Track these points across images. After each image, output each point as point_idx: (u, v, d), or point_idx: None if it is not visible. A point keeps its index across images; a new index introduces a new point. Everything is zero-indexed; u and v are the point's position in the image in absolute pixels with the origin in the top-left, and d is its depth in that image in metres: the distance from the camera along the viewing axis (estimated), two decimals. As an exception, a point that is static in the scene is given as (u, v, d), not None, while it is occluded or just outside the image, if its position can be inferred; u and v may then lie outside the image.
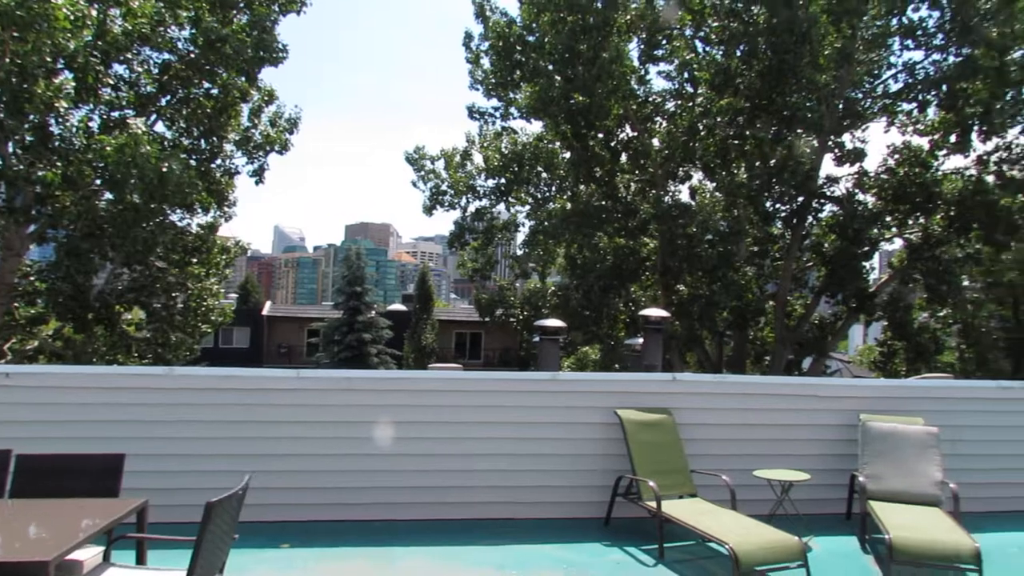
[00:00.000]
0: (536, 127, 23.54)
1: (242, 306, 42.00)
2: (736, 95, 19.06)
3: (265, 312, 42.98)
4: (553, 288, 24.44)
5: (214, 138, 16.53)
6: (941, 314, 24.14)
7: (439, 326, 40.23)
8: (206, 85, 16.09)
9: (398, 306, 42.59)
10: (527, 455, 6.33)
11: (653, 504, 5.45)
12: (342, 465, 6.07)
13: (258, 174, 17.62)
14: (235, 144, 17.26)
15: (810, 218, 21.77)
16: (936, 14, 19.34)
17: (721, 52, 20.09)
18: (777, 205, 21.44)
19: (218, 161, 17.18)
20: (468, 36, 22.98)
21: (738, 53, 19.07)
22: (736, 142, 20.34)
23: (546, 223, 22.94)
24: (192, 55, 15.31)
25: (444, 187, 25.68)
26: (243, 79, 16.13)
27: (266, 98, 17.70)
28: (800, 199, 20.89)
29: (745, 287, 20.81)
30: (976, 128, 19.90)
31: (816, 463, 6.65)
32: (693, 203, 22.40)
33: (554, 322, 10.58)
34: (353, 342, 32.83)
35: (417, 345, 36.79)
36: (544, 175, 24.37)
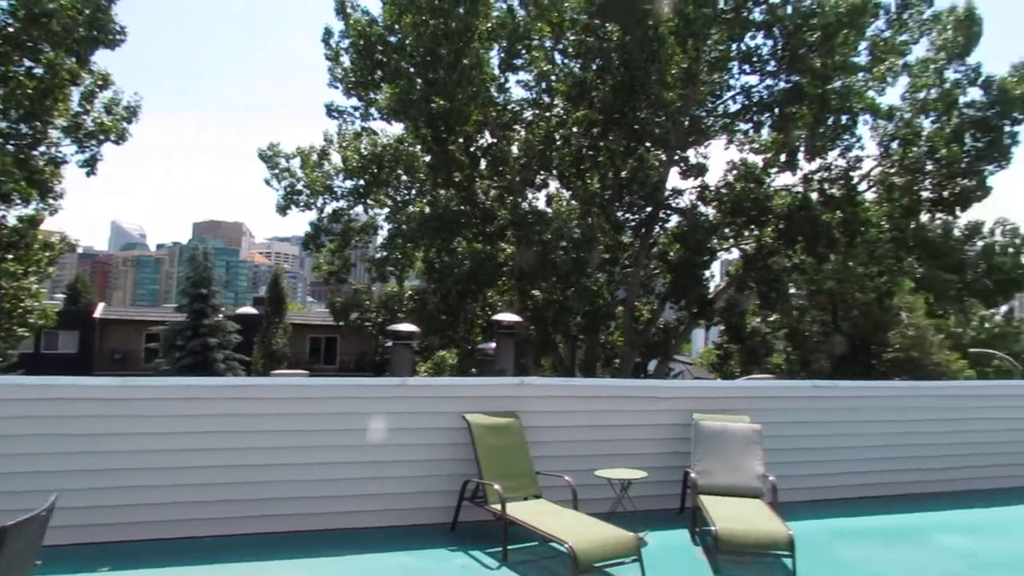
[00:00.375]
0: (397, 129, 23.35)
1: (70, 307, 38.68)
2: (591, 108, 19.78)
3: (97, 314, 39.76)
4: (411, 292, 24.27)
5: (37, 123, 15.12)
6: (771, 319, 26.14)
7: (293, 330, 38.86)
8: (28, 63, 14.68)
9: (248, 309, 40.77)
10: (375, 462, 6.23)
11: (498, 507, 5.52)
12: (174, 479, 5.70)
13: (90, 164, 16.32)
14: (63, 131, 15.87)
15: (657, 228, 22.97)
16: (770, 43, 20.97)
17: (579, 65, 20.78)
18: (627, 215, 22.44)
19: (42, 148, 15.73)
20: (328, 32, 22.42)
21: (594, 67, 19.81)
22: (591, 153, 21.11)
23: (405, 226, 22.76)
24: (11, 28, 13.93)
25: (299, 186, 24.84)
26: (73, 60, 14.86)
27: (100, 82, 16.41)
28: (648, 210, 21.98)
29: (597, 293, 21.63)
30: (802, 149, 21.77)
31: (654, 461, 6.98)
32: (550, 210, 23.00)
33: (407, 327, 10.50)
34: (197, 347, 31.07)
35: (267, 350, 35.36)
36: (404, 178, 24.16)
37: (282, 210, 24.58)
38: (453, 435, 6.31)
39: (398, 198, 24.67)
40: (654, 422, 7.10)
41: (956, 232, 23.12)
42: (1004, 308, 42.18)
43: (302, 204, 24.79)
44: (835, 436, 7.84)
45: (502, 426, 6.23)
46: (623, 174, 20.94)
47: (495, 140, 21.95)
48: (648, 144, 20.61)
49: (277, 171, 24.78)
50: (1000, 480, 8.17)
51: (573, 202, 22.81)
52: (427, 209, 22.28)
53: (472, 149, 21.67)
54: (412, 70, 19.62)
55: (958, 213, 23.04)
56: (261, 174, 26.47)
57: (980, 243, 23.53)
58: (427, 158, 22.10)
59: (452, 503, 6.18)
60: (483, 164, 22.32)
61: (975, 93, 21.97)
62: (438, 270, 22.34)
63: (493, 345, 12.15)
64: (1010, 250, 23.12)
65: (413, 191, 24.63)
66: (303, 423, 6.07)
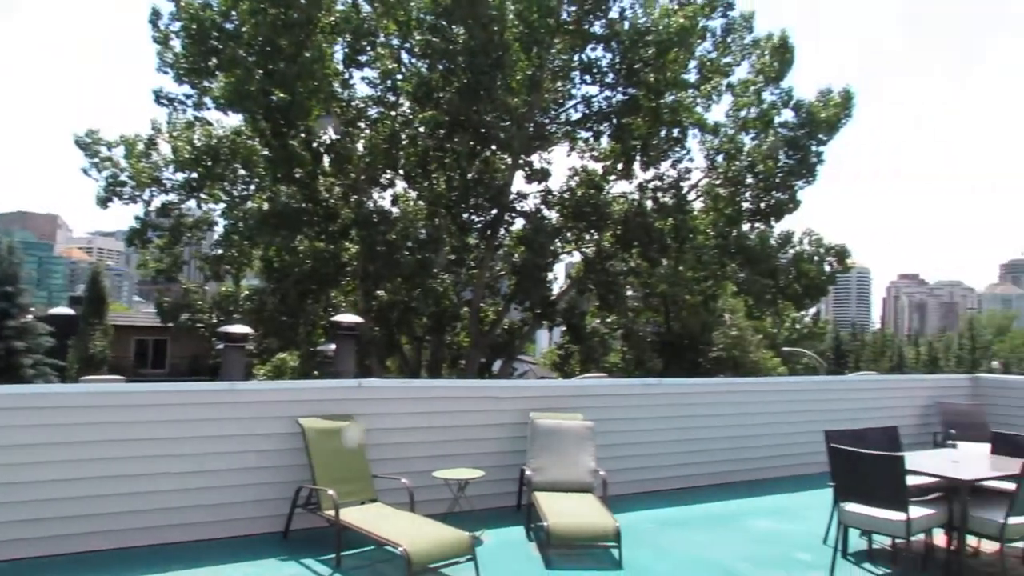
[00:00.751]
0: (234, 120, 22.19)
1: None
2: (437, 108, 19.79)
3: None
4: (248, 292, 23.15)
5: None
6: (609, 320, 27.31)
7: (115, 332, 35.89)
8: None
9: (63, 309, 37.23)
10: (203, 472, 5.89)
11: (332, 513, 5.40)
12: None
13: None
14: None
15: (503, 230, 23.34)
16: (609, 56, 21.94)
17: (425, 66, 20.73)
18: (473, 216, 22.66)
19: None
20: (156, 13, 20.95)
21: (440, 68, 19.84)
22: (437, 154, 21.12)
23: (242, 223, 21.70)
24: None
25: (124, 177, 22.99)
26: None
27: None
28: (494, 212, 22.31)
29: (443, 294, 21.68)
30: (638, 159, 22.95)
31: (493, 460, 7.11)
32: (396, 210, 22.78)
33: (239, 328, 10.01)
34: (1, 352, 27.95)
35: (84, 354, 32.46)
36: (242, 172, 23.01)
37: (103, 202, 22.66)
38: (287, 440, 6.10)
39: (235, 193, 23.46)
40: (493, 422, 7.22)
41: (772, 241, 25.26)
42: (812, 310, 46.78)
43: (126, 197, 22.97)
44: (662, 431, 8.33)
45: (338, 430, 6.09)
46: (469, 176, 21.11)
47: (338, 137, 21.44)
48: (494, 147, 20.92)
49: (97, 160, 22.81)
50: (802, 468, 9.01)
51: (420, 202, 22.72)
52: (266, 205, 21.37)
53: (314, 145, 21.03)
54: (251, 59, 18.75)
55: (773, 223, 25.27)
56: (79, 162, 24.26)
57: (791, 251, 25.87)
58: (266, 152, 21.19)
59: (286, 511, 5.98)
60: (326, 161, 21.72)
61: (788, 114, 24.22)
62: (278, 269, 21.49)
63: (333, 347, 11.85)
64: (815, 258, 25.55)
65: (252, 186, 23.52)
66: (118, 432, 5.64)
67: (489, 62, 18.65)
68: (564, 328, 26.12)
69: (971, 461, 6.27)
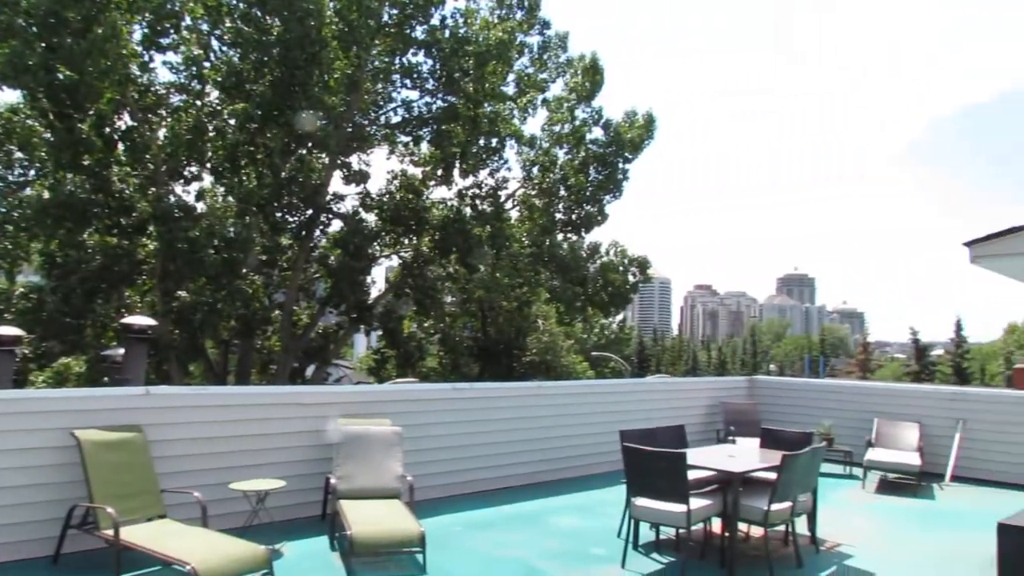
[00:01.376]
0: (11, 96, 19.73)
1: None
2: (248, 101, 18.81)
3: None
4: (24, 289, 20.64)
5: None
6: (426, 325, 27.34)
7: None
8: None
9: None
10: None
11: (111, 532, 4.94)
12: None
13: None
14: None
15: (318, 231, 22.62)
16: (430, 62, 22.00)
17: (237, 55, 19.62)
18: (287, 216, 21.76)
19: None
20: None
21: (252, 59, 18.87)
22: (248, 148, 20.06)
23: (18, 212, 19.36)
24: None
25: None
26: None
27: None
28: (309, 212, 21.56)
29: (253, 296, 20.60)
30: (457, 165, 23.18)
31: (297, 469, 6.87)
32: (201, 206, 21.34)
33: (8, 330, 8.89)
34: None
35: None
36: (18, 155, 20.52)
37: None
38: (60, 454, 5.51)
39: (10, 178, 20.87)
40: (296, 429, 6.97)
41: (581, 251, 26.51)
42: (619, 317, 49.75)
43: None
44: (472, 434, 8.47)
45: (121, 442, 5.60)
46: (283, 174, 20.23)
47: (135, 124, 19.73)
48: (310, 145, 20.21)
49: None
50: (603, 466, 9.55)
51: (228, 199, 21.45)
52: (48, 194, 19.17)
53: (107, 131, 19.18)
54: (32, 30, 16.76)
55: (583, 234, 26.53)
56: None
57: (599, 261, 27.30)
58: (48, 135, 19.04)
59: (57, 532, 5.40)
60: (120, 149, 19.89)
61: (598, 132, 25.56)
62: (60, 265, 19.34)
63: (122, 351, 10.87)
64: (620, 268, 27.15)
65: (31, 172, 21.03)
66: None
67: (305, 57, 18.00)
68: (381, 332, 25.78)
69: (744, 455, 6.94)
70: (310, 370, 25.58)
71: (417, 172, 24.09)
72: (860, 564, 6.24)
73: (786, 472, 5.70)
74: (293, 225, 21.97)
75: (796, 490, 5.98)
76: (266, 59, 18.44)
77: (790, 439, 7.16)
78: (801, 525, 6.57)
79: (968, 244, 5.62)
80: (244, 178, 20.42)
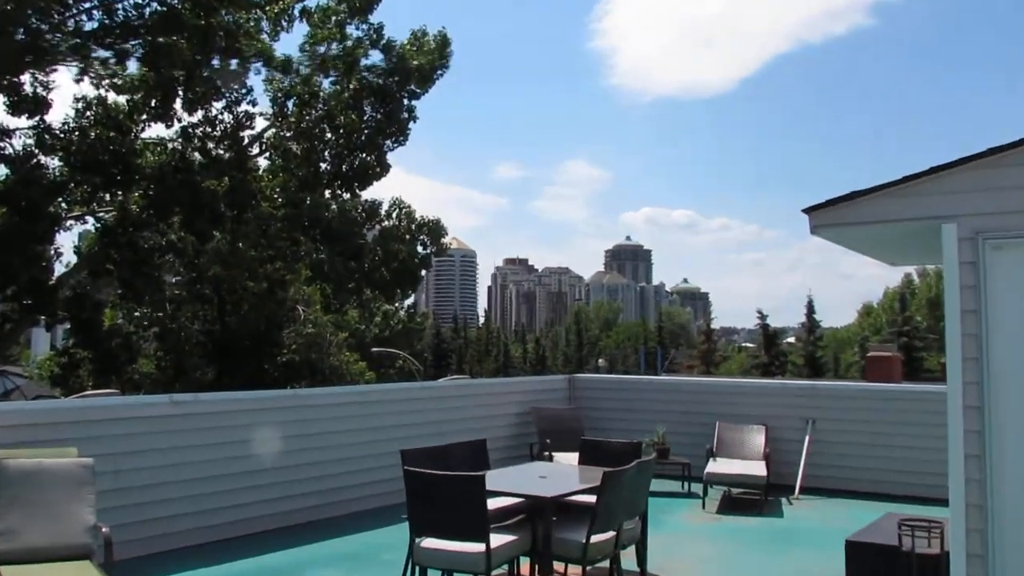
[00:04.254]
0: None
1: None
2: None
3: None
4: None
5: None
6: (138, 314, 25.85)
7: None
8: None
9: None
10: None
11: None
12: None
13: None
14: None
15: (-31, 180, 20.62)
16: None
17: None
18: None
19: None
20: None
21: None
22: None
23: None
24: None
25: None
26: None
27: None
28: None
29: None
30: (181, 94, 21.98)
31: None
32: None
33: None
34: None
35: None
36: None
37: None
38: None
39: None
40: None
41: (355, 214, 26.28)
42: (408, 302, 50.03)
43: None
44: (199, 464, 8.09)
45: None
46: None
47: None
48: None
49: None
50: (384, 498, 9.48)
51: None
52: None
53: None
54: None
55: (357, 191, 26.25)
56: None
57: (379, 227, 27.21)
58: None
59: None
60: None
61: (377, 57, 25.29)
62: None
63: None
64: (407, 236, 27.25)
65: None
66: None
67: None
68: (70, 326, 24.01)
69: (559, 475, 7.19)
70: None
71: (122, 101, 22.58)
72: (695, 600, 6.69)
73: (608, 494, 5.95)
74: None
75: (621, 516, 6.26)
76: None
77: (614, 452, 7.51)
78: (629, 558, 6.90)
79: (808, 211, 6.13)
80: None
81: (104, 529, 6.14)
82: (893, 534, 6.10)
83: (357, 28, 25.02)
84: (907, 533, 5.94)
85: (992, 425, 5.51)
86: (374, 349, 40.06)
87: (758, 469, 10.21)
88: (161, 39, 20.77)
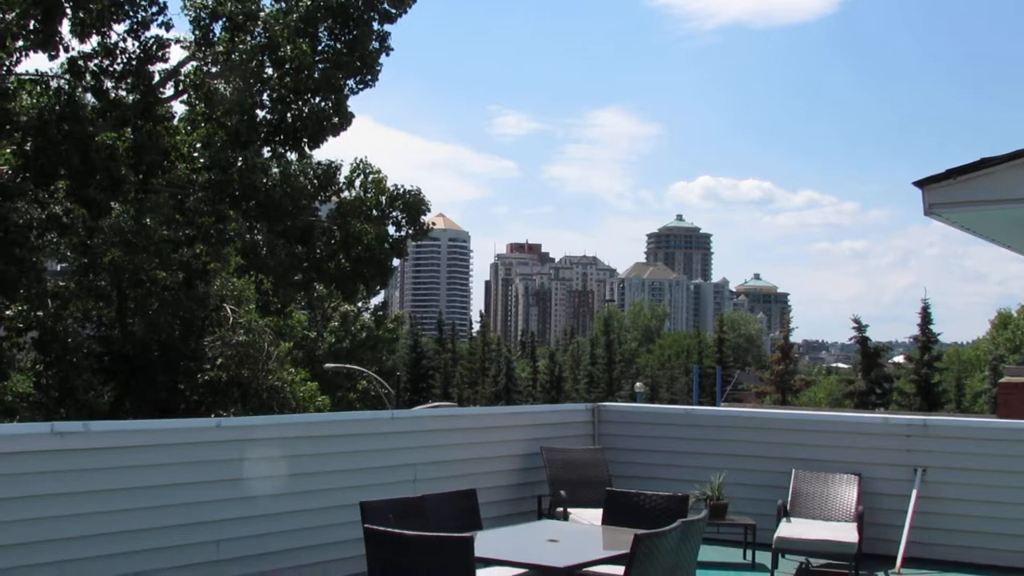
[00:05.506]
0: None
1: None
2: None
3: None
4: None
5: None
6: (9, 313, 25.93)
7: None
8: None
9: None
10: None
11: None
12: None
13: None
14: None
15: None
16: None
17: None
18: None
19: None
20: None
21: None
22: None
23: None
24: None
25: None
26: None
27: None
28: None
29: None
30: (70, 15, 22.05)
31: None
32: None
33: None
34: None
35: None
36: None
37: None
38: None
39: None
40: None
41: (305, 180, 26.30)
42: (376, 300, 50.00)
43: None
44: (88, 516, 8.10)
45: None
46: None
47: None
48: None
49: None
50: (332, 568, 9.52)
51: None
52: None
53: None
54: None
55: (307, 150, 26.27)
56: None
57: (337, 199, 27.21)
58: None
59: None
60: None
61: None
62: None
63: None
64: (374, 212, 27.22)
65: None
66: None
67: None
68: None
69: (575, 538, 7.22)
70: None
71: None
72: None
73: (641, 564, 5.96)
74: None
75: (658, 594, 6.29)
76: None
77: (651, 508, 7.52)
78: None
79: (922, 184, 6.13)
80: None
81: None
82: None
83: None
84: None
85: None
86: (328, 365, 40.09)
87: (847, 534, 10.21)
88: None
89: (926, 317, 57.32)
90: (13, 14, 22.38)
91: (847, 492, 10.89)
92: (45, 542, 7.89)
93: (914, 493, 10.97)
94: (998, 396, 20.58)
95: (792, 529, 10.42)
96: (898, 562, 10.70)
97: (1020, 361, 51.46)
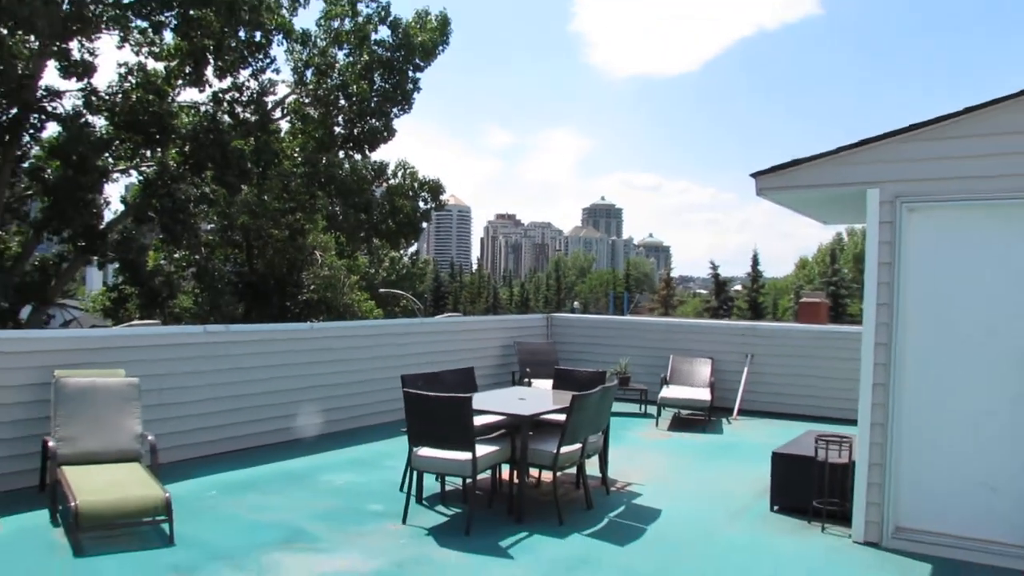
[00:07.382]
0: None
1: None
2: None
3: None
4: None
5: None
6: (177, 256, 25.77)
7: None
8: None
9: None
10: None
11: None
12: None
13: None
14: None
15: (27, 136, 20.31)
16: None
17: None
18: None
19: None
20: None
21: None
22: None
23: None
24: None
25: None
26: None
27: None
28: (14, 111, 19.27)
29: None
30: (212, 63, 21.71)
31: (4, 432, 6.35)
32: None
33: None
34: None
35: None
36: None
37: None
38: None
39: None
40: (1, 383, 6.40)
41: (365, 172, 26.08)
42: (411, 249, 49.86)
43: None
44: (229, 384, 8.23)
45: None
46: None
47: None
48: (11, 24, 17.87)
49: None
50: (385, 415, 9.72)
51: None
52: None
53: None
54: None
55: (367, 152, 26.09)
56: None
57: (385, 185, 27.07)
58: None
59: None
60: None
61: (385, 33, 24.96)
62: None
63: None
64: (410, 193, 27.14)
65: None
66: None
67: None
68: (118, 265, 23.92)
69: (535, 397, 7.39)
70: (25, 311, 23.29)
71: (160, 68, 22.27)
72: (647, 501, 6.94)
73: (575, 413, 6.15)
74: (-9, 127, 19.54)
75: (586, 431, 6.48)
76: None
77: (583, 379, 7.71)
78: (593, 467, 7.14)
79: (755, 175, 6.24)
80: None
81: (150, 437, 6.32)
82: (811, 447, 6.35)
83: (367, 6, 24.75)
84: (822, 446, 6.18)
85: (896, 359, 5.72)
86: (381, 290, 40.03)
87: (704, 395, 10.47)
88: (192, 11, 20.49)
89: (755, 261, 58.40)
90: (175, 63, 22.07)
91: (704, 369, 11.14)
92: (206, 400, 8.04)
93: (746, 370, 11.25)
94: (798, 310, 20.83)
95: (670, 392, 10.68)
96: (735, 412, 11.00)
97: (813, 289, 51.93)
